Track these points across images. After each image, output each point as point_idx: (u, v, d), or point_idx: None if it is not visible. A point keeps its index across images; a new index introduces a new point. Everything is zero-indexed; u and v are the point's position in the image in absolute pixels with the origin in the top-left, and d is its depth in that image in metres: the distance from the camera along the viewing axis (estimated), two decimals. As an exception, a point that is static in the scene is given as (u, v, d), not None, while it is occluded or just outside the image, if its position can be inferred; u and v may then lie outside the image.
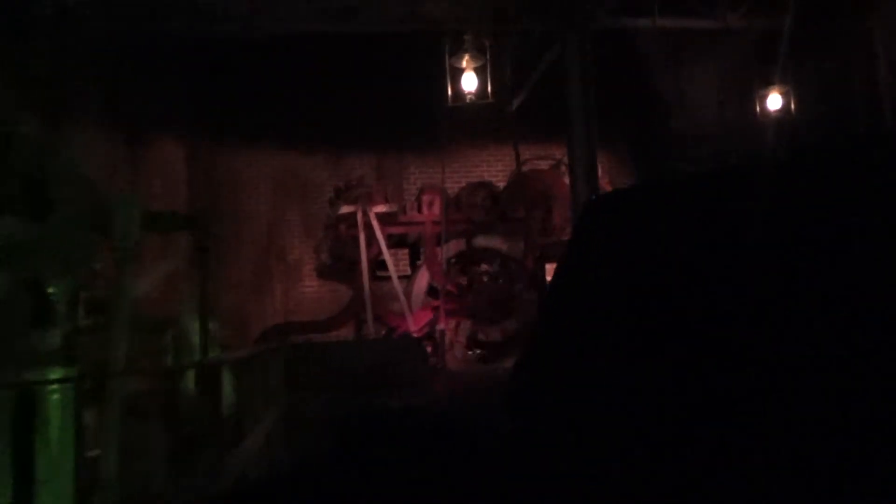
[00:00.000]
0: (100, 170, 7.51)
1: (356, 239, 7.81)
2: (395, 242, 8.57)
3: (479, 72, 6.03)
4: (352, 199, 7.88)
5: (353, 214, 7.75)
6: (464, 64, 6.03)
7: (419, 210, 8.16)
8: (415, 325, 7.67)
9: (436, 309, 7.81)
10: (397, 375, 5.24)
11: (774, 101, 7.19)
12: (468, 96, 6.15)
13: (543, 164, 8.81)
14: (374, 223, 7.74)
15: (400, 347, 5.85)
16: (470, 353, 7.98)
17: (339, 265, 8.15)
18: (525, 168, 8.65)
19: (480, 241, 8.15)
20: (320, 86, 9.10)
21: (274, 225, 9.72)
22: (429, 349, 7.53)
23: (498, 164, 10.05)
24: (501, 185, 8.89)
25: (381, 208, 7.86)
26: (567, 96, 6.75)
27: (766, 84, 7.19)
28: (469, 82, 6.09)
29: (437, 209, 7.95)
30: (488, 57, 6.05)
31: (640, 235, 1.82)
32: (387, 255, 7.86)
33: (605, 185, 9.18)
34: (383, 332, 8.10)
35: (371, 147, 9.76)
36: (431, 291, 8.08)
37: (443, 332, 7.35)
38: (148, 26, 6.37)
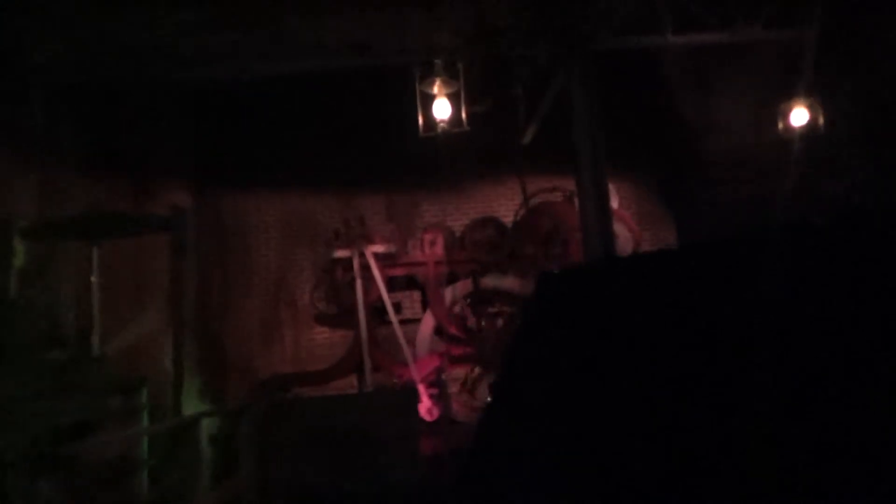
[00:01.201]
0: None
1: (354, 283, 7.39)
2: (405, 284, 8.13)
3: (453, 98, 5.61)
4: (348, 242, 7.48)
5: (349, 257, 7.35)
6: (435, 90, 5.63)
7: (421, 249, 7.71)
8: (419, 374, 7.16)
9: (443, 355, 7.30)
10: (383, 436, 4.74)
11: (800, 115, 6.50)
12: (440, 125, 5.72)
13: (557, 196, 8.29)
14: (373, 265, 7.32)
15: (392, 402, 5.36)
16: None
17: (339, 311, 7.74)
18: (537, 201, 8.13)
19: (489, 281, 7.63)
20: (327, 125, 8.86)
21: (283, 270, 9.41)
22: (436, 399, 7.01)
23: (515, 199, 9.57)
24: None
25: (378, 249, 7.44)
26: (573, 124, 6.26)
27: (789, 97, 6.50)
28: (441, 109, 5.66)
29: (439, 248, 7.50)
30: (462, 82, 5.64)
31: (594, 316, 1.80)
32: (386, 298, 7.40)
33: (626, 215, 8.62)
34: (394, 381, 7.63)
35: (381, 186, 9.41)
36: (439, 336, 7.58)
37: (445, 382, 6.81)
38: (130, 73, 6.20)
